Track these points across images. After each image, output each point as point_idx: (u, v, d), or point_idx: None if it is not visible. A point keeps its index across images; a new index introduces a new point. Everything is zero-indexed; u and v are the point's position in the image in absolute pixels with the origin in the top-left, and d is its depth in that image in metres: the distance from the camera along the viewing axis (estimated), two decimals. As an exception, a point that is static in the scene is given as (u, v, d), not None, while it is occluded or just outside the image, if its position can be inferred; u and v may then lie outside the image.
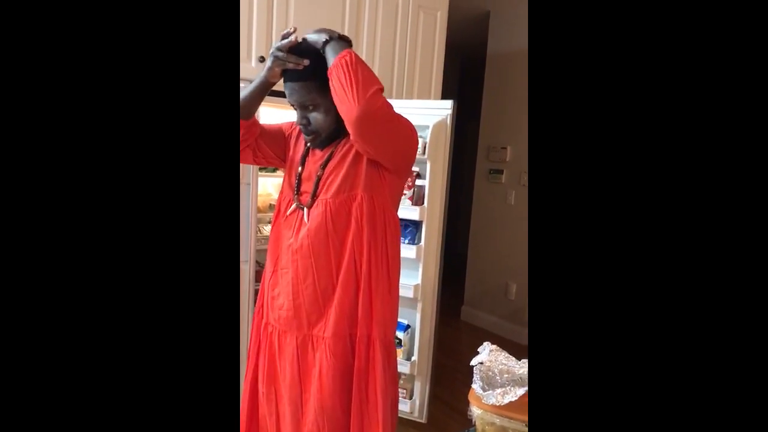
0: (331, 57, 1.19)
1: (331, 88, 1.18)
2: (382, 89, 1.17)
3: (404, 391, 2.45)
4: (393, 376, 1.38)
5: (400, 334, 2.37)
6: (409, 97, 2.77)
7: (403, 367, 2.37)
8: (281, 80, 1.31)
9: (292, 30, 1.25)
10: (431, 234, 2.34)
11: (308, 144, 1.40)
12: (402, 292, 2.33)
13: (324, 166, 1.34)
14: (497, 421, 1.51)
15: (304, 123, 1.31)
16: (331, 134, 1.33)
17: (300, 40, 1.27)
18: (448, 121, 2.27)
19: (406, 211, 2.30)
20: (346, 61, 1.15)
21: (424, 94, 2.85)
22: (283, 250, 1.38)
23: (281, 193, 1.46)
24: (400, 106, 2.38)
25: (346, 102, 1.14)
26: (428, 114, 2.30)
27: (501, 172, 3.81)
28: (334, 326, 1.30)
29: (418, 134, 2.26)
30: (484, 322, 4.01)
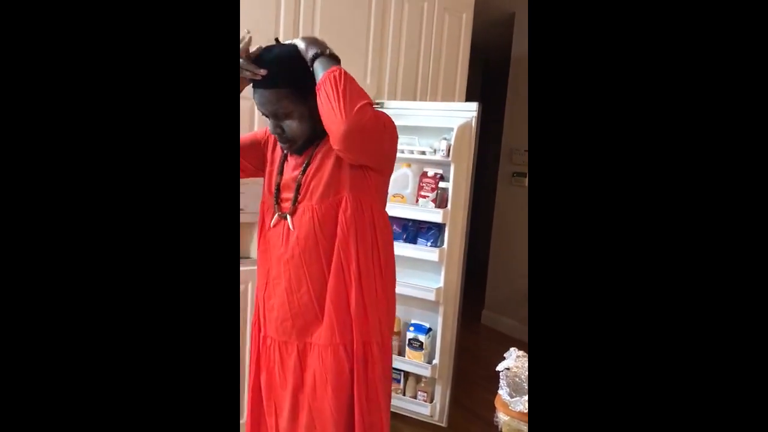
0: (320, 72, 1.17)
1: (319, 103, 1.16)
2: (370, 104, 1.15)
3: (425, 394, 2.44)
4: (389, 374, 1.37)
5: (421, 337, 2.36)
6: (434, 98, 2.76)
7: (424, 371, 2.36)
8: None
9: (245, 33, 1.21)
10: (454, 237, 2.32)
11: (285, 151, 1.37)
12: (423, 295, 2.34)
13: (303, 171, 1.30)
14: (524, 428, 1.49)
15: (278, 132, 1.27)
16: (308, 140, 1.30)
17: (268, 45, 1.23)
18: (473, 124, 2.26)
19: (429, 213, 2.29)
20: (334, 77, 1.13)
21: (448, 96, 2.83)
22: (274, 261, 1.34)
23: (262, 203, 1.42)
24: (425, 108, 2.39)
25: (333, 117, 1.12)
26: (453, 116, 2.29)
27: (524, 175, 3.78)
28: (326, 333, 1.28)
29: (443, 136, 2.27)
30: (505, 327, 3.97)
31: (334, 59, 1.21)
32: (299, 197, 1.29)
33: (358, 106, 1.11)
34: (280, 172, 1.36)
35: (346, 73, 1.15)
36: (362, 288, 1.28)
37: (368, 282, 1.29)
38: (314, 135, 1.28)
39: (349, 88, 1.13)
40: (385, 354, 1.33)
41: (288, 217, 1.30)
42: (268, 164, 1.42)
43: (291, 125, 1.25)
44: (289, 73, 1.20)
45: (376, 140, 1.20)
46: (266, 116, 1.27)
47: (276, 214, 1.34)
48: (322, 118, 1.15)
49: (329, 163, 1.27)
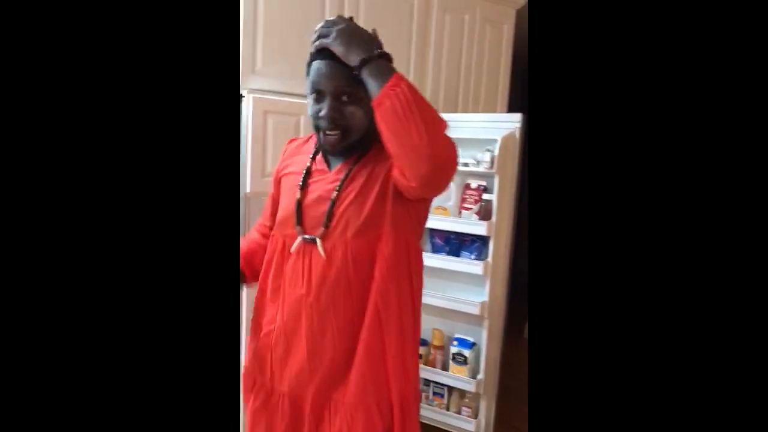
0: (376, 85, 0.93)
1: (382, 127, 0.93)
2: (447, 126, 0.95)
3: (469, 409, 2.40)
4: (418, 421, 1.23)
5: (465, 352, 2.32)
6: (475, 110, 2.74)
7: (469, 386, 2.32)
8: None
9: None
10: (499, 250, 2.29)
11: (321, 147, 1.13)
12: (467, 309, 2.31)
13: (339, 188, 1.08)
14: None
15: (336, 116, 1.04)
16: (359, 141, 1.09)
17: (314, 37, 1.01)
18: (518, 135, 2.23)
19: (472, 226, 2.26)
20: (405, 96, 0.89)
21: (490, 107, 2.81)
22: (289, 302, 1.12)
23: (273, 236, 1.19)
24: (467, 120, 2.37)
25: (411, 152, 0.90)
26: (496, 127, 2.27)
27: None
28: (356, 390, 1.09)
29: (486, 148, 2.24)
30: (549, 342, 3.88)
31: (387, 59, 0.98)
32: (331, 224, 1.07)
33: (442, 137, 0.92)
34: (303, 187, 1.14)
35: (411, 85, 0.92)
36: (403, 339, 1.10)
37: (407, 331, 1.11)
38: (365, 139, 1.09)
39: (427, 111, 0.91)
40: (417, 403, 1.20)
41: (318, 241, 1.07)
42: (286, 180, 1.21)
43: (355, 113, 1.04)
44: None
45: (453, 172, 1.00)
46: (320, 93, 1.05)
47: (299, 238, 1.10)
48: (391, 149, 0.94)
49: (372, 193, 1.06)
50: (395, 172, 0.99)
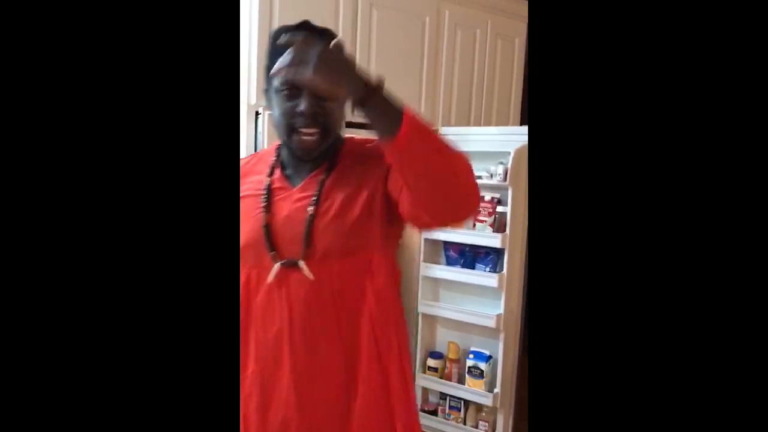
0: (388, 121, 0.76)
1: (413, 166, 0.79)
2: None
3: (486, 424, 2.38)
4: None
5: (481, 365, 2.31)
6: (488, 123, 2.76)
7: (485, 399, 2.31)
8: None
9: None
10: (514, 262, 2.28)
11: (293, 151, 0.98)
12: (483, 322, 2.31)
13: (317, 201, 0.96)
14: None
15: (316, 111, 0.91)
16: (332, 145, 0.99)
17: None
18: (530, 147, 2.23)
19: (486, 238, 2.26)
20: (432, 135, 0.79)
21: (502, 121, 2.83)
22: (266, 341, 0.97)
23: (241, 255, 0.98)
24: (480, 133, 2.39)
25: (452, 195, 0.82)
26: (509, 140, 2.27)
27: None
28: (360, 430, 0.99)
29: (499, 161, 2.25)
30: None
31: (383, 88, 0.81)
32: (312, 243, 0.94)
33: (473, 175, 0.84)
34: (267, 208, 0.98)
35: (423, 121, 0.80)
36: (403, 366, 1.00)
37: (405, 358, 1.02)
38: (333, 147, 1.00)
39: (453, 148, 0.81)
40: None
41: (301, 263, 0.93)
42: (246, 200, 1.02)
43: (334, 110, 0.95)
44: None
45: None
46: (295, 87, 0.91)
47: (277, 264, 0.95)
48: (425, 189, 0.81)
49: (356, 208, 0.95)
50: (410, 210, 0.89)
